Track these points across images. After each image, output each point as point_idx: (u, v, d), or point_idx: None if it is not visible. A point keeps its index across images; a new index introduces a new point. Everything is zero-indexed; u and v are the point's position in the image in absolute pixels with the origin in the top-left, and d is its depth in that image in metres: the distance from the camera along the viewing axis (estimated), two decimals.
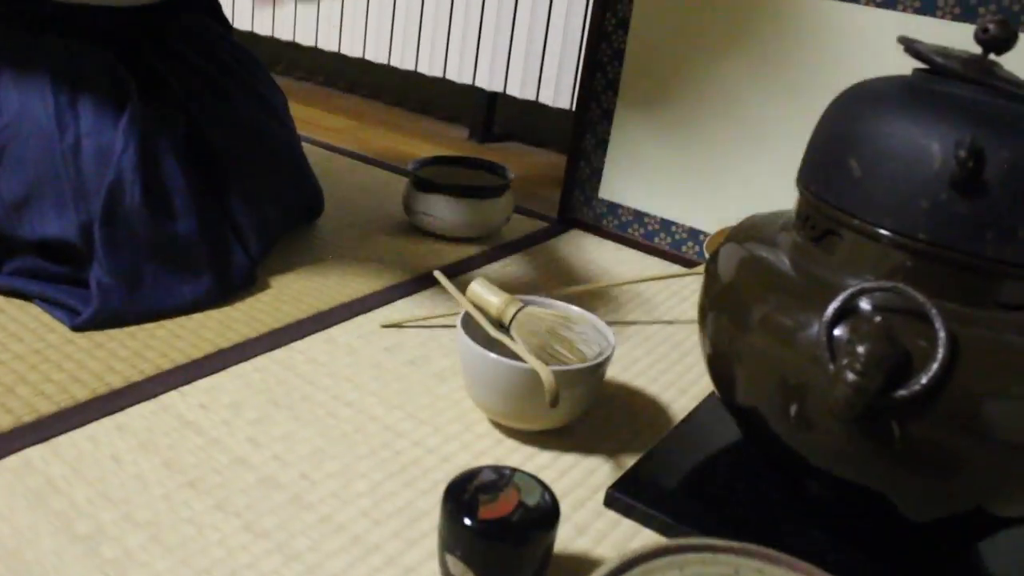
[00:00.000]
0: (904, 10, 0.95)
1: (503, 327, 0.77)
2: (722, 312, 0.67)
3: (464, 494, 0.56)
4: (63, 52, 0.88)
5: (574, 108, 1.28)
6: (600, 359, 0.73)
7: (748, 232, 0.70)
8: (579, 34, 1.44)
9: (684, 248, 1.18)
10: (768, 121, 1.08)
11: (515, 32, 1.51)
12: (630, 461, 0.73)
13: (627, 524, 0.67)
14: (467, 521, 0.54)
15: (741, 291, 0.65)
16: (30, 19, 0.91)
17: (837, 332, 0.56)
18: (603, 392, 0.83)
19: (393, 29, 1.68)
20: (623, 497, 0.68)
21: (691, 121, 1.15)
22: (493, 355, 0.71)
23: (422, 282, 1.02)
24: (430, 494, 0.67)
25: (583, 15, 1.43)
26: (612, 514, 0.67)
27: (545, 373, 0.69)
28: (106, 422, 0.70)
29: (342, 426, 0.74)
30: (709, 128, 1.13)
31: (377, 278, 1.02)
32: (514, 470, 0.59)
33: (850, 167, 0.60)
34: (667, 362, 0.91)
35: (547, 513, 0.55)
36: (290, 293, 0.96)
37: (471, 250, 1.13)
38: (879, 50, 0.98)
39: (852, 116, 0.62)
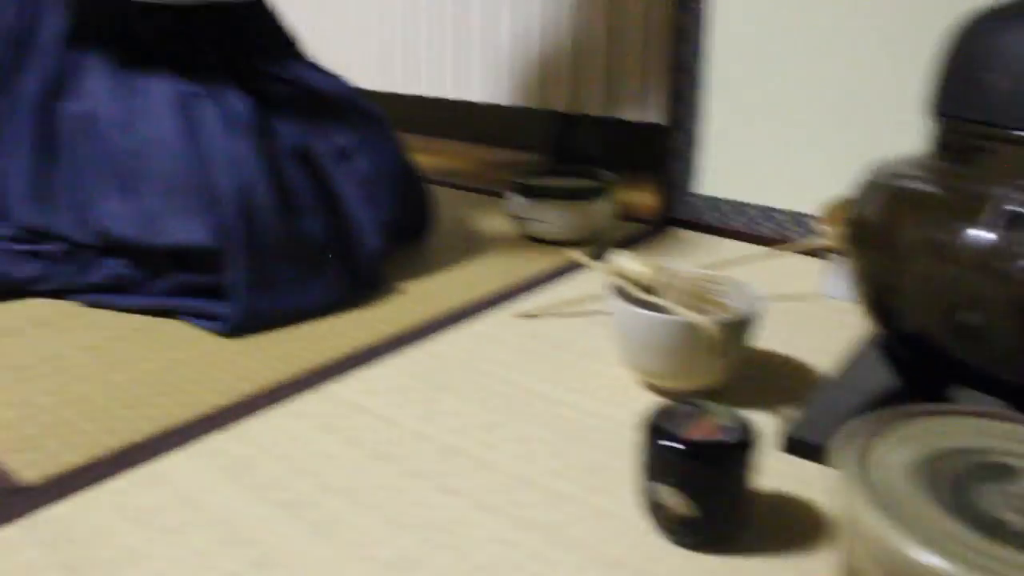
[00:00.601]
0: None
1: (651, 294, 0.79)
2: (875, 248, 0.68)
3: (664, 423, 0.56)
4: (182, 75, 0.94)
5: (665, 105, 1.30)
6: (754, 310, 0.74)
7: (883, 173, 0.71)
8: (651, 48, 1.47)
9: (788, 233, 1.19)
10: (858, 95, 1.09)
11: (591, 48, 1.55)
12: (792, 414, 0.73)
13: (811, 467, 0.66)
14: (675, 445, 0.54)
15: (893, 222, 0.66)
16: (146, 38, 0.96)
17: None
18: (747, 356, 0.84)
19: (438, 58, 1.73)
20: (803, 439, 0.68)
21: (781, 105, 1.16)
22: (651, 312, 0.73)
23: (544, 279, 1.04)
24: (607, 449, 0.68)
25: (656, 29, 1.46)
26: (792, 459, 0.67)
27: (707, 323, 0.70)
28: (279, 409, 0.73)
29: (508, 401, 0.75)
30: (799, 111, 1.15)
31: (498, 278, 1.04)
32: (703, 401, 0.59)
33: (993, 82, 0.62)
34: (796, 331, 0.92)
35: (748, 432, 0.56)
36: (419, 295, 0.98)
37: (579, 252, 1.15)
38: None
39: (988, 34, 0.63)
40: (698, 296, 0.78)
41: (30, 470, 0.63)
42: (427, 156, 1.79)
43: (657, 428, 0.56)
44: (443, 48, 1.75)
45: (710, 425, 0.56)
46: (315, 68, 1.12)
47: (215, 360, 0.81)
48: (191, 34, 1.00)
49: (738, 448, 0.55)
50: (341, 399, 0.75)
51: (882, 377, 0.75)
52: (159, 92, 0.93)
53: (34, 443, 0.66)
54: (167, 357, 0.81)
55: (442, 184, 1.52)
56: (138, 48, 0.96)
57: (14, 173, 0.96)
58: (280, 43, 1.12)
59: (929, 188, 0.64)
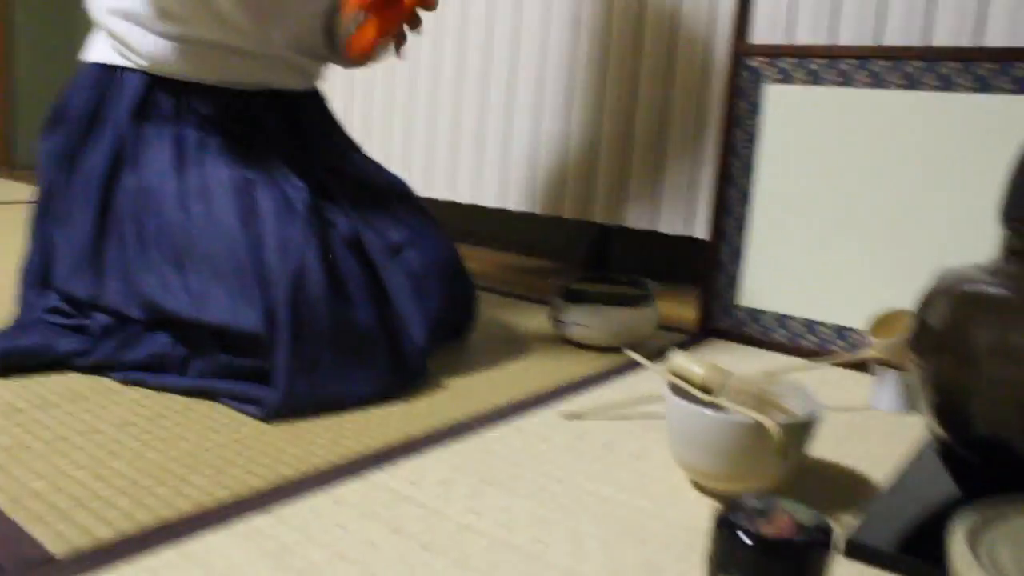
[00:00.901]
0: None
1: (708, 394, 0.76)
2: (944, 354, 0.66)
3: (736, 518, 0.53)
4: (240, 157, 0.95)
5: (710, 218, 1.30)
6: (816, 413, 0.71)
7: (953, 281, 0.70)
8: (694, 161, 1.49)
9: (831, 346, 1.17)
10: (903, 211, 1.09)
11: (632, 165, 1.57)
12: (850, 520, 0.69)
13: (872, 572, 0.63)
14: (748, 540, 0.51)
15: (964, 326, 0.64)
16: (208, 118, 0.98)
17: None
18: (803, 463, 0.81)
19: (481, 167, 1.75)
20: (866, 544, 0.64)
21: (823, 222, 1.16)
22: (712, 411, 0.70)
23: (588, 381, 1.02)
24: (663, 551, 0.64)
25: (699, 137, 1.48)
26: (853, 563, 0.64)
27: (771, 424, 0.67)
28: (321, 496, 0.69)
29: (558, 498, 0.72)
30: (844, 228, 1.14)
31: (542, 378, 1.02)
32: (778, 497, 0.56)
33: None
34: (847, 441, 0.89)
35: (825, 532, 0.52)
36: (462, 390, 0.96)
37: (620, 358, 1.13)
38: (1002, 137, 1.00)
39: None
40: (758, 398, 0.76)
41: (58, 542, 0.59)
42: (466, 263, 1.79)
43: (731, 521, 0.53)
44: (481, 156, 1.77)
45: (783, 520, 0.53)
46: (370, 162, 1.13)
47: (255, 443, 0.78)
48: (252, 118, 1.02)
49: (816, 547, 0.51)
50: (386, 488, 0.72)
51: (941, 484, 0.73)
52: (217, 172, 0.94)
53: (63, 515, 0.63)
54: (205, 438, 0.79)
55: (483, 289, 1.51)
56: (200, 127, 0.98)
57: (67, 244, 0.96)
58: (335, 134, 1.14)
59: (1002, 292, 0.63)
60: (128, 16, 0.98)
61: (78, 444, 0.75)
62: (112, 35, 1.00)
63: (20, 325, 0.96)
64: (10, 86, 3.14)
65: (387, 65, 1.90)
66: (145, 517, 0.64)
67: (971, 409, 0.64)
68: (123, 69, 1.00)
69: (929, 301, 0.69)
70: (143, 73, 0.99)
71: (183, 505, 0.66)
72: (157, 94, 0.99)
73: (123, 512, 0.64)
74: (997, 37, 1.12)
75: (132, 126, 0.98)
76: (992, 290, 0.63)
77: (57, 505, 0.65)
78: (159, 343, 0.91)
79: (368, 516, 0.67)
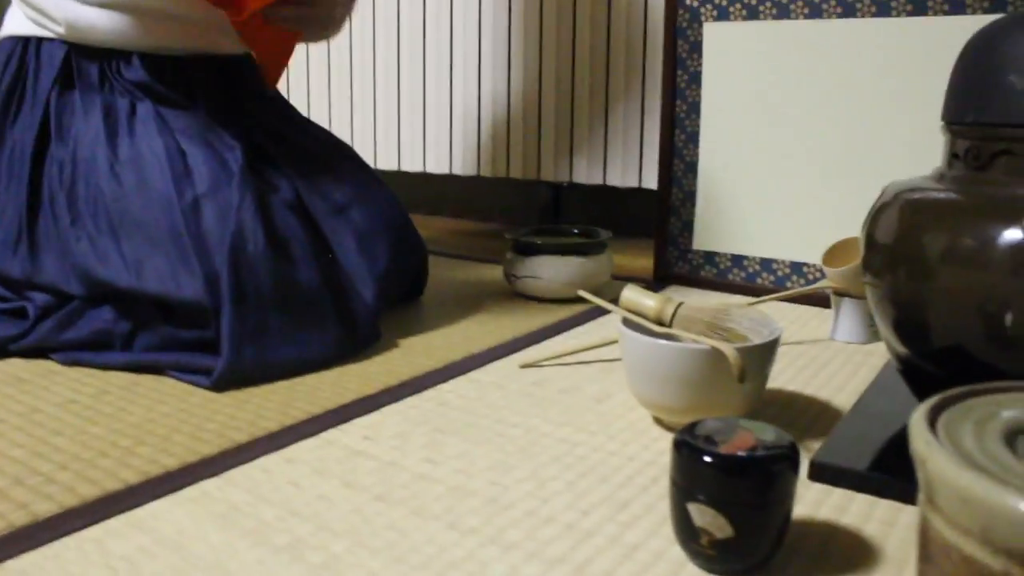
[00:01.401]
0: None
1: (663, 326, 0.75)
2: (898, 266, 0.65)
3: (696, 439, 0.52)
4: (173, 123, 0.92)
5: (659, 163, 1.29)
6: (775, 335, 0.70)
7: (897, 192, 0.69)
8: (639, 107, 1.48)
9: (788, 284, 1.16)
10: (850, 141, 1.09)
11: (575, 120, 1.55)
12: (814, 445, 0.69)
13: (838, 493, 0.62)
14: (708, 459, 0.50)
15: (916, 237, 0.63)
16: (138, 86, 0.94)
17: None
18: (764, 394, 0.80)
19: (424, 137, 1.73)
20: (831, 464, 0.64)
21: (772, 158, 1.15)
22: (668, 342, 0.69)
23: (544, 332, 1.01)
24: (628, 486, 0.63)
25: (640, 83, 1.46)
26: (819, 487, 0.63)
27: (728, 349, 0.66)
28: (274, 456, 0.67)
29: (516, 442, 0.70)
30: (793, 163, 1.14)
31: (497, 333, 1.01)
32: (737, 419, 0.55)
33: (1013, 83, 0.60)
34: (808, 372, 0.88)
35: (790, 447, 0.51)
36: (417, 349, 0.94)
37: (577, 308, 1.12)
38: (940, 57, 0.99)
39: (1006, 39, 0.62)
40: (713, 326, 0.75)
41: None
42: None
43: (694, 444, 0.51)
44: (420, 123, 1.74)
45: (745, 438, 0.52)
46: (310, 124, 1.10)
47: (204, 412, 0.76)
48: (184, 82, 0.98)
49: (780, 460, 0.50)
50: (340, 445, 0.70)
51: (905, 404, 0.72)
52: (149, 139, 0.90)
53: (1, 495, 0.60)
54: (152, 410, 0.76)
55: (434, 253, 1.49)
56: (129, 95, 0.94)
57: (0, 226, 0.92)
58: (272, 98, 1.10)
59: (949, 195, 0.62)
60: None
61: (16, 425, 0.72)
62: (30, 5, 0.95)
63: None
64: None
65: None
66: (88, 490, 0.61)
67: (929, 319, 0.63)
68: (41, 39, 0.96)
69: (876, 216, 0.68)
70: (63, 42, 0.95)
71: (128, 475, 0.63)
72: (81, 63, 0.95)
73: (64, 486, 0.61)
74: None
75: (58, 97, 0.94)
76: (938, 195, 0.62)
77: None
78: (101, 319, 0.88)
79: (321, 472, 0.65)
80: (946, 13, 1.00)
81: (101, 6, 0.94)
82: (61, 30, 0.94)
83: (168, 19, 0.97)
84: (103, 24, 0.94)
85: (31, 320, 0.89)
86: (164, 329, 0.86)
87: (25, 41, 0.96)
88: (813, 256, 1.13)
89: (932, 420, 0.39)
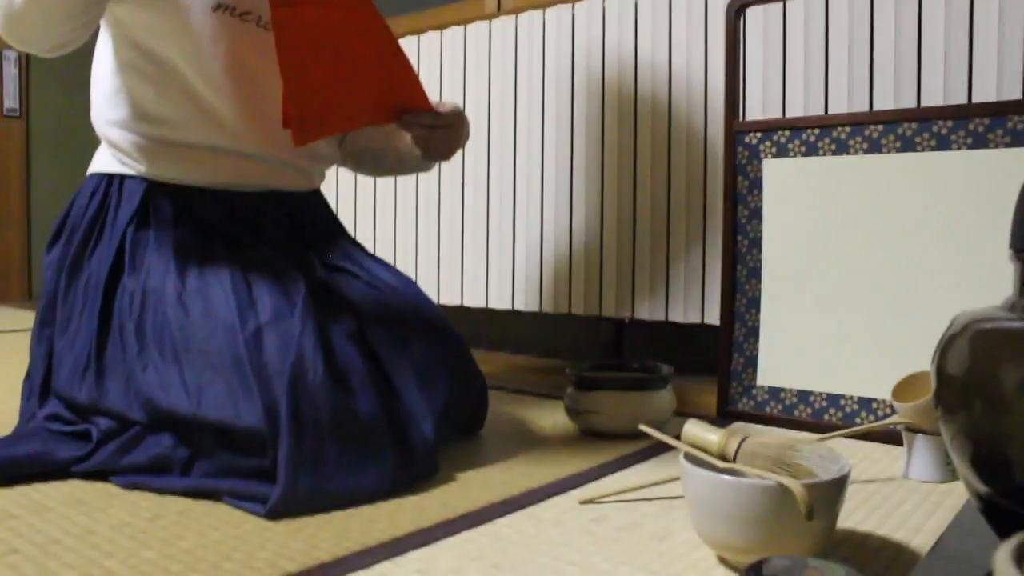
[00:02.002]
0: None
1: (727, 462, 0.73)
2: (972, 400, 0.63)
3: None
4: (239, 255, 0.95)
5: (722, 298, 1.29)
6: (844, 471, 0.68)
7: (968, 323, 0.67)
8: (700, 243, 1.48)
9: (857, 420, 1.12)
10: (913, 273, 1.07)
11: (636, 257, 1.56)
12: None
13: None
14: None
15: (989, 368, 0.61)
16: (209, 219, 0.98)
17: None
18: (835, 534, 0.76)
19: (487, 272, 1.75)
20: None
21: (836, 291, 1.14)
22: (733, 478, 0.66)
23: (605, 468, 0.99)
24: None
25: (701, 218, 1.47)
26: None
27: (795, 485, 0.64)
28: None
29: None
30: (857, 296, 1.12)
31: (557, 468, 0.98)
32: (806, 558, 0.52)
33: None
34: (881, 511, 0.84)
35: None
36: (474, 483, 0.92)
37: (639, 444, 1.09)
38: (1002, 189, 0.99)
39: None
40: (779, 462, 0.72)
41: None
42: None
43: None
44: (484, 260, 1.77)
45: None
46: (372, 258, 1.13)
47: (257, 540, 0.75)
48: (252, 218, 1.02)
49: None
50: None
51: (987, 545, 0.67)
52: (216, 270, 0.93)
53: None
54: (205, 536, 0.75)
55: (495, 388, 1.48)
56: (200, 229, 0.98)
57: (68, 351, 0.95)
58: (337, 234, 1.14)
59: (1023, 325, 0.60)
60: (127, 125, 1.00)
61: (71, 546, 0.72)
62: (113, 145, 1.01)
63: (18, 434, 0.94)
64: (29, 220, 3.22)
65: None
66: None
67: (1009, 455, 0.60)
68: (124, 177, 1.01)
69: (946, 348, 0.66)
70: (143, 179, 1.00)
71: None
72: (157, 199, 1.00)
73: None
74: (988, 92, 1.12)
75: (134, 232, 0.98)
76: (1012, 324, 0.60)
77: None
78: (161, 445, 0.89)
79: None
80: (1008, 145, 1.00)
81: (178, 145, 0.99)
82: (142, 168, 0.99)
83: (239, 157, 1.02)
84: (178, 162, 0.99)
85: (94, 443, 0.90)
86: (222, 456, 0.86)
87: (109, 178, 1.02)
88: (883, 391, 1.10)
89: (1019, 559, 0.36)
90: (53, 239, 1.04)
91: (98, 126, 1.03)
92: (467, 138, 1.16)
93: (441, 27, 1.83)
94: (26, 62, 3.21)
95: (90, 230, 1.00)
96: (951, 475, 0.91)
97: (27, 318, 2.55)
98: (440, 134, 1.08)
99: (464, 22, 1.81)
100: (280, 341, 0.88)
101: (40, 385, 0.98)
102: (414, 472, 0.91)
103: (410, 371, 0.98)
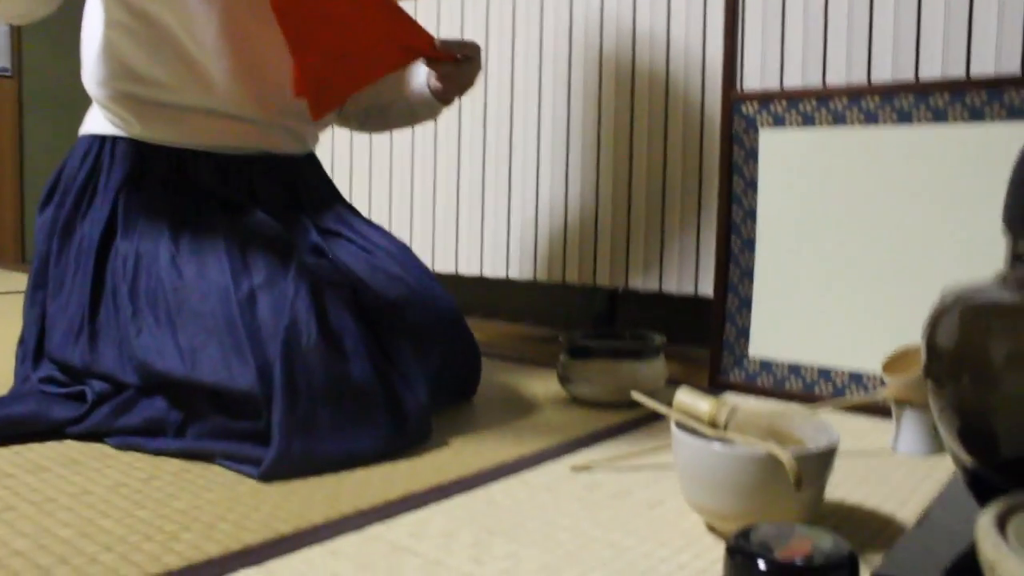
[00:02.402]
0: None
1: (717, 430, 0.73)
2: (961, 374, 0.63)
3: (750, 545, 0.50)
4: (233, 219, 0.95)
5: (716, 269, 1.29)
6: (833, 442, 0.68)
7: (958, 296, 0.67)
8: (695, 213, 1.48)
9: (848, 393, 1.13)
10: (907, 247, 1.07)
11: (631, 226, 1.56)
12: (875, 559, 0.65)
13: None
14: (763, 566, 0.48)
15: (978, 342, 0.61)
16: (202, 183, 0.98)
17: None
18: (824, 505, 0.77)
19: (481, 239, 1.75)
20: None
21: (830, 264, 1.14)
22: (722, 445, 0.67)
23: (596, 435, 0.99)
24: None
25: (697, 189, 1.47)
26: None
27: (785, 454, 0.64)
28: (317, 548, 0.66)
29: (565, 545, 0.68)
30: (851, 269, 1.13)
31: (549, 435, 0.99)
32: (794, 524, 0.53)
33: None
34: (869, 484, 0.85)
35: (849, 556, 0.49)
36: (467, 449, 0.93)
37: (631, 412, 1.10)
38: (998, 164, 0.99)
39: None
40: (769, 430, 0.73)
41: None
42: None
43: (748, 550, 0.50)
44: (479, 227, 1.77)
45: (801, 544, 0.50)
46: (367, 223, 1.13)
47: (250, 501, 0.76)
48: (247, 181, 1.02)
49: (841, 569, 0.48)
50: (384, 540, 0.69)
51: (972, 518, 0.68)
52: (210, 233, 0.93)
53: (44, 572, 0.60)
54: (199, 497, 0.76)
55: (488, 356, 1.49)
56: (194, 193, 0.98)
57: (61, 314, 0.95)
58: (331, 198, 1.13)
59: (1017, 298, 0.60)
60: (120, 88, 0.99)
61: (66, 505, 0.73)
62: (106, 107, 1.00)
63: (13, 395, 0.94)
64: (22, 181, 3.20)
65: (382, 138, 1.92)
66: (130, 572, 0.61)
67: (996, 429, 0.61)
68: (116, 138, 1.00)
69: (936, 321, 0.66)
70: (135, 141, 0.99)
71: (170, 560, 0.63)
72: (151, 161, 0.99)
73: (107, 567, 0.61)
74: (986, 65, 1.12)
75: (126, 194, 0.98)
76: (1002, 297, 0.60)
77: (38, 562, 0.62)
78: (155, 408, 0.89)
79: (364, 568, 0.63)
80: (1004, 119, 1.00)
81: (172, 108, 0.98)
82: (136, 130, 0.98)
83: (237, 121, 1.02)
84: (173, 125, 0.99)
85: (88, 405, 0.91)
86: (216, 419, 0.87)
87: (101, 140, 1.01)
88: (873, 365, 1.10)
89: (1001, 524, 0.37)
90: (45, 201, 1.03)
91: (89, 87, 1.02)
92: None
93: None
94: None
95: (82, 192, 1.00)
96: (939, 448, 0.92)
97: (21, 280, 2.54)
98: (466, 67, 1.07)
99: None
100: (274, 304, 0.88)
101: (34, 348, 0.98)
102: (407, 437, 0.91)
103: (404, 336, 0.99)
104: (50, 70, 3.21)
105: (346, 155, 2.02)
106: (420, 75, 1.16)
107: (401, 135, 1.90)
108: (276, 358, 0.84)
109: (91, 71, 1.01)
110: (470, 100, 1.76)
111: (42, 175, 3.15)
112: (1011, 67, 1.06)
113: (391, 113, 1.25)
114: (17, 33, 3.17)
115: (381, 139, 1.94)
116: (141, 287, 0.92)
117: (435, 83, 1.11)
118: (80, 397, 0.93)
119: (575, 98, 1.62)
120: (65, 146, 1.06)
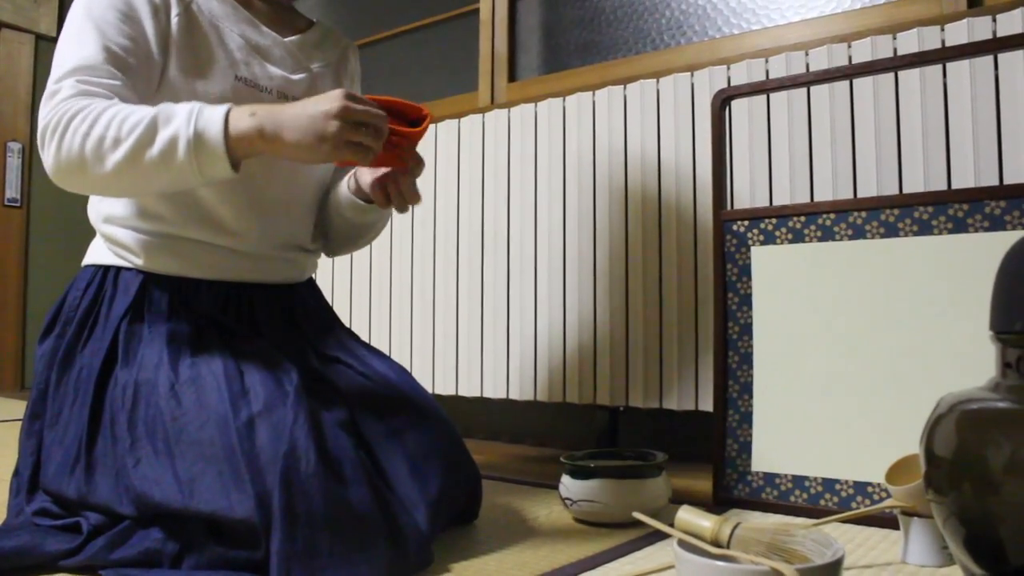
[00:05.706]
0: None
1: (720, 548, 0.72)
2: (960, 481, 0.63)
3: None
4: (233, 346, 0.96)
5: (715, 385, 1.29)
6: (838, 555, 0.67)
7: (952, 404, 0.68)
8: (692, 331, 1.49)
9: (853, 504, 1.12)
10: (901, 355, 1.08)
11: (630, 345, 1.57)
12: None
13: None
14: None
15: (976, 449, 0.62)
16: (203, 311, 0.99)
17: None
18: None
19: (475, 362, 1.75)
20: None
21: (827, 376, 1.15)
22: (727, 563, 0.66)
23: (600, 557, 0.98)
24: None
25: (693, 307, 1.48)
26: None
27: (788, 569, 0.63)
28: None
29: None
30: (849, 380, 1.13)
31: (551, 558, 0.97)
32: None
33: None
34: None
35: None
36: (471, 573, 0.92)
37: (634, 532, 1.08)
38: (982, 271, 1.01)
39: None
40: (772, 547, 0.72)
41: None
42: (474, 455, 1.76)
43: None
44: (479, 350, 1.78)
45: None
46: (366, 347, 1.14)
47: None
48: (246, 310, 1.03)
49: None
50: None
51: None
52: (209, 361, 0.94)
53: None
54: None
55: (489, 478, 1.47)
56: (194, 321, 0.99)
57: (57, 445, 0.95)
58: (330, 323, 1.15)
59: (1007, 404, 0.61)
60: (122, 220, 1.01)
61: None
62: (108, 238, 1.03)
63: (5, 528, 0.93)
64: (25, 309, 3.23)
65: (382, 264, 1.95)
66: None
67: (1001, 537, 0.60)
68: (119, 268, 1.02)
69: (933, 430, 0.67)
70: (138, 271, 1.01)
71: None
72: (152, 291, 1.01)
73: None
74: (965, 179, 1.15)
75: (128, 325, 0.99)
76: (996, 404, 0.61)
77: None
78: (151, 539, 0.88)
79: None
80: (986, 230, 1.02)
81: (172, 240, 1.01)
82: (138, 261, 1.00)
83: (239, 255, 1.04)
84: (173, 256, 1.01)
85: (83, 537, 0.89)
86: (213, 550, 0.85)
87: (104, 270, 1.03)
88: (877, 475, 1.09)
89: None
90: (46, 331, 1.04)
91: (95, 221, 1.05)
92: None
93: (436, 120, 1.88)
94: (30, 154, 3.27)
95: (83, 323, 1.01)
96: (948, 559, 0.91)
97: (19, 408, 2.53)
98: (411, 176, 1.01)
99: (458, 115, 1.86)
100: (272, 431, 0.88)
101: (28, 481, 0.97)
102: (408, 563, 0.90)
103: (403, 461, 0.98)
104: (58, 200, 3.28)
105: (346, 281, 2.05)
106: (343, 185, 1.14)
107: (400, 261, 1.93)
108: (275, 485, 0.84)
109: (98, 206, 1.04)
110: (468, 224, 1.80)
111: (45, 303, 3.18)
112: (990, 179, 1.10)
113: (329, 229, 1.20)
114: (28, 165, 3.26)
115: (381, 265, 1.97)
116: (140, 416, 0.92)
117: (362, 180, 1.08)
118: (75, 529, 0.91)
119: (570, 220, 1.65)
120: (69, 275, 1.08)
